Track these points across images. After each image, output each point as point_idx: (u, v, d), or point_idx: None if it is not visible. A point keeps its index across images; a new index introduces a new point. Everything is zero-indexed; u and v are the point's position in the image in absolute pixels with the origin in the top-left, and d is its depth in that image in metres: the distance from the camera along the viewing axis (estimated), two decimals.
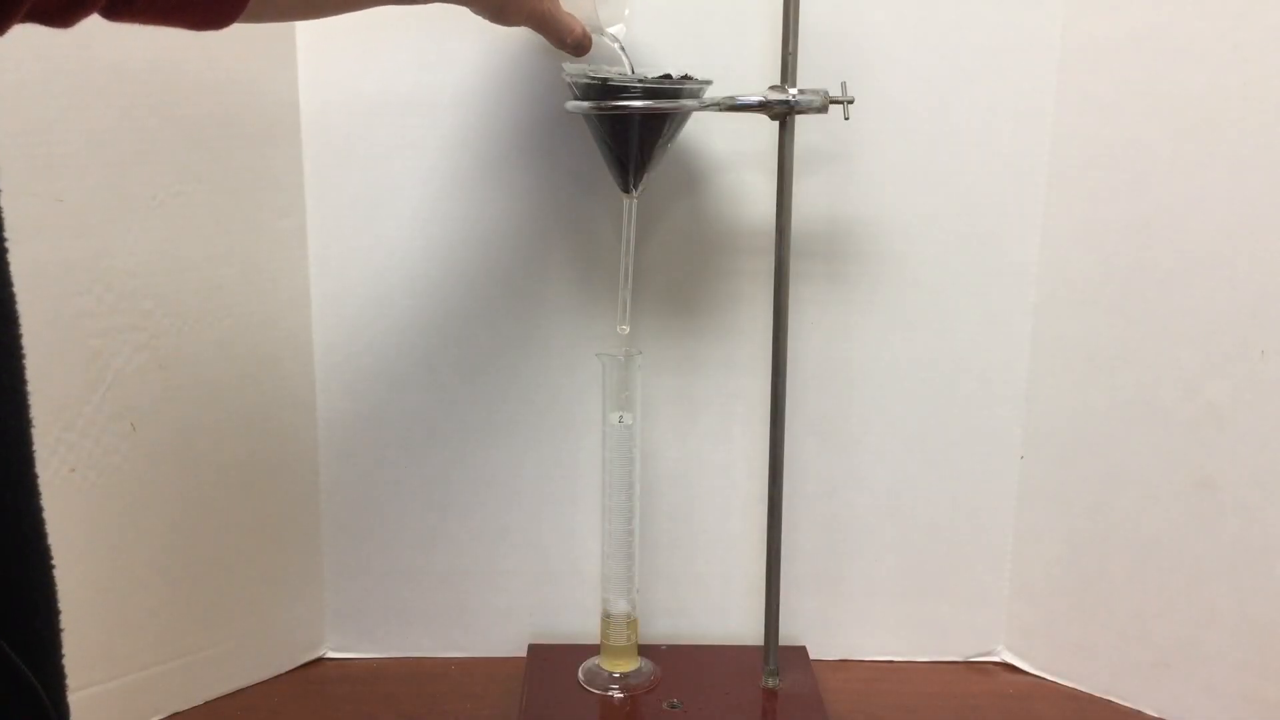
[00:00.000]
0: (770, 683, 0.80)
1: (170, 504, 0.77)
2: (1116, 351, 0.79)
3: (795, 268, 0.77)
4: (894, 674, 0.87)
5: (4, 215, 0.38)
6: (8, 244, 0.39)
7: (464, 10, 0.66)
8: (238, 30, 0.52)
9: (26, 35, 0.41)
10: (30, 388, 0.40)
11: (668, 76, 0.70)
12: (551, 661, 0.83)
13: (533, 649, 0.85)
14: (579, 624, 0.86)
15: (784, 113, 0.71)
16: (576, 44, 0.71)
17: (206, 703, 0.81)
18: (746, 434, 0.84)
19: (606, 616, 0.80)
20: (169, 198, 0.73)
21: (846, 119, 0.71)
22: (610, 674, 0.80)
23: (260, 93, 0.77)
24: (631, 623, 0.80)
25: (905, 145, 0.80)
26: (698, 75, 0.70)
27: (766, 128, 0.73)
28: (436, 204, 0.81)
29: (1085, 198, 0.79)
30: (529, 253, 0.82)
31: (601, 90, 0.69)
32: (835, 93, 0.71)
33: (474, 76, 0.78)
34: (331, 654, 0.88)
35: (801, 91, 0.71)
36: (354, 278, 0.82)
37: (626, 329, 0.75)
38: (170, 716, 0.79)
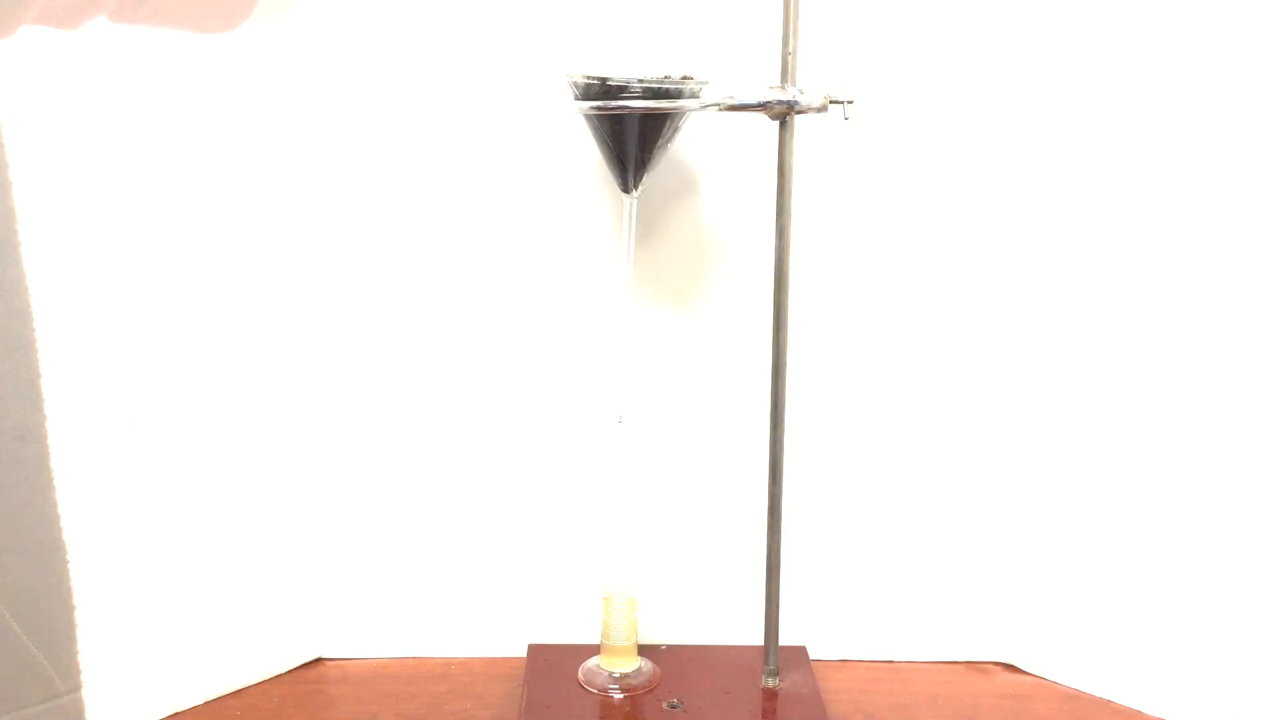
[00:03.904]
0: (770, 683, 0.80)
1: (170, 504, 0.77)
2: (1115, 351, 0.79)
3: (795, 268, 0.77)
4: (894, 674, 0.87)
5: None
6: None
7: (460, 6, 0.64)
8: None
9: (26, 32, 0.41)
10: None
11: (668, 77, 0.70)
12: (551, 661, 0.83)
13: (533, 649, 0.85)
14: (579, 624, 0.86)
15: (784, 113, 0.71)
16: None
17: (206, 703, 0.81)
18: (747, 434, 0.84)
19: (606, 616, 0.80)
20: (170, 197, 0.73)
21: (846, 119, 0.71)
22: (610, 674, 0.80)
23: (259, 92, 0.77)
24: (632, 622, 0.80)
25: (905, 145, 0.80)
26: (698, 75, 0.70)
27: (766, 128, 0.73)
28: (435, 204, 0.81)
29: (1084, 197, 0.79)
30: (529, 253, 0.82)
31: (601, 90, 0.69)
32: (835, 93, 0.71)
33: (472, 76, 0.78)
34: (331, 654, 0.88)
35: (801, 91, 0.71)
36: (353, 277, 0.81)
37: (627, 330, 0.75)
38: (170, 716, 0.79)
